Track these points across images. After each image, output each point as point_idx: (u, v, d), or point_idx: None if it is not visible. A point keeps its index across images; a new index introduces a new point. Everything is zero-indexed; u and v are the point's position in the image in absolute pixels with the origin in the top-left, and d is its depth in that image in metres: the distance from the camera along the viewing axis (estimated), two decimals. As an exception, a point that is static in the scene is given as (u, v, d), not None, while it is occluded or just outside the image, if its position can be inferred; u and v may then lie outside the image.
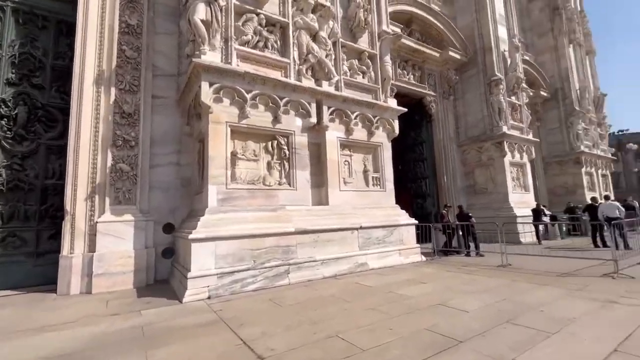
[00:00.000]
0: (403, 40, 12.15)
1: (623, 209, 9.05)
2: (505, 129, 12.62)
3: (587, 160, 17.94)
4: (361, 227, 7.44)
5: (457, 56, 13.55)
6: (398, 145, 14.57)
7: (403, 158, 14.50)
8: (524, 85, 14.34)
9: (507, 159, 12.71)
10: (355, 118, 8.13)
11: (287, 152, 7.09)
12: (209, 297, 5.16)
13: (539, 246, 10.15)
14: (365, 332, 3.42)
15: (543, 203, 16.84)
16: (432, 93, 13.62)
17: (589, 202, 10.94)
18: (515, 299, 4.44)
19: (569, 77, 18.34)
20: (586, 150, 17.89)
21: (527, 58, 17.60)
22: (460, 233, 9.26)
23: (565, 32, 18.76)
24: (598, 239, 9.48)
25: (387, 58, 9.14)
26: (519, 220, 11.81)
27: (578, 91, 18.63)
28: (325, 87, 7.68)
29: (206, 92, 6.04)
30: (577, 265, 6.53)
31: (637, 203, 15.93)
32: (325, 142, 7.68)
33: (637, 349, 2.77)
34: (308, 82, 7.37)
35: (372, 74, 8.85)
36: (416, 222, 8.66)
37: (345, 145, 8.12)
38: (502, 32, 13.99)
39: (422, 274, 6.53)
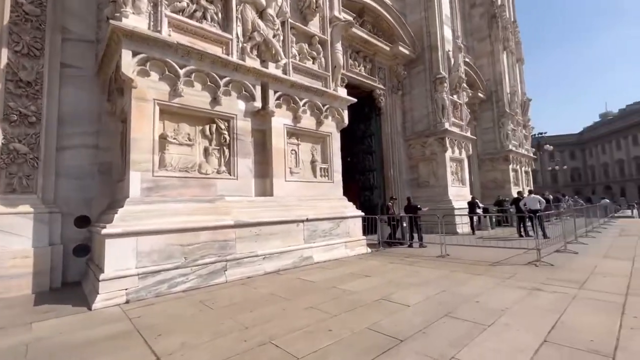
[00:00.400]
0: (355, 30, 11.98)
1: (544, 202, 10.03)
2: (447, 125, 13.25)
3: (514, 158, 19.85)
4: (307, 220, 7.13)
5: (406, 52, 13.83)
6: (348, 137, 14.55)
7: (352, 150, 14.52)
8: (464, 85, 15.20)
9: (448, 154, 13.40)
10: (303, 105, 7.74)
11: (227, 138, 6.45)
12: (127, 302, 4.44)
13: (473, 236, 10.87)
14: (303, 336, 3.10)
15: (477, 196, 18.32)
16: (382, 87, 13.76)
17: (515, 195, 12.00)
18: (453, 291, 4.49)
19: (502, 81, 19.99)
20: (513, 149, 19.76)
21: (467, 60, 18.72)
22: (405, 224, 9.47)
23: (500, 39, 20.34)
24: (522, 229, 10.42)
25: (339, 45, 8.86)
26: (456, 212, 12.54)
27: (509, 95, 20.42)
28: (272, 69, 7.14)
29: (128, 63, 5.14)
30: (505, 254, 6.99)
31: (551, 197, 18.10)
32: (271, 128, 7.18)
33: (563, 338, 2.84)
34: (253, 62, 6.76)
35: (323, 60, 8.50)
36: (363, 214, 8.63)
37: (292, 133, 7.70)
38: (448, 32, 14.60)
39: (367, 267, 6.46)
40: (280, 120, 7.37)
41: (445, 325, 3.25)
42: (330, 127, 8.46)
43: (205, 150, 6.22)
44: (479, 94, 19.48)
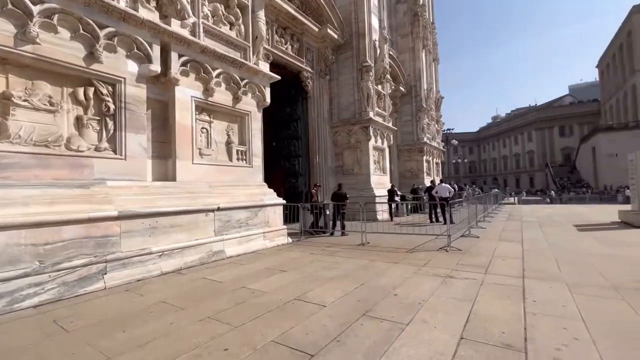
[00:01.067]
0: (282, 4, 11.08)
1: (453, 190, 10.88)
2: (372, 114, 13.44)
3: (428, 150, 21.60)
4: (219, 209, 6.22)
5: (335, 35, 13.47)
6: (273, 120, 13.71)
7: (278, 134, 13.77)
8: (388, 76, 15.65)
9: (372, 143, 13.66)
10: (217, 76, 6.67)
11: (111, 107, 5.09)
12: None
13: (391, 223, 11.29)
14: (187, 362, 2.37)
15: (395, 185, 19.44)
16: (310, 69, 13.20)
17: (428, 184, 12.85)
18: (372, 283, 4.23)
19: (421, 77, 21.37)
20: (428, 141, 21.47)
21: (391, 54, 19.45)
22: (328, 212, 9.22)
23: (421, 38, 21.60)
24: (434, 215, 11.20)
25: (261, 14, 7.90)
26: (377, 200, 12.94)
27: (426, 91, 22.00)
28: (176, 27, 5.89)
29: None
30: (420, 240, 7.22)
31: (456, 186, 20.28)
32: (175, 100, 6.00)
33: (478, 334, 2.70)
34: (148, 14, 5.43)
35: (242, 28, 7.47)
36: (284, 201, 8.03)
37: (203, 108, 6.60)
38: (375, 22, 14.71)
39: (285, 260, 5.91)
40: (187, 91, 6.21)
41: (363, 328, 2.87)
42: (250, 106, 7.56)
43: (78, 120, 4.78)
44: (401, 88, 20.48)
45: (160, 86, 5.94)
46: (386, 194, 13.12)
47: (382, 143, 14.70)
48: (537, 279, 4.23)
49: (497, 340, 2.57)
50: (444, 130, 35.43)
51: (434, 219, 11.04)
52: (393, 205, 12.78)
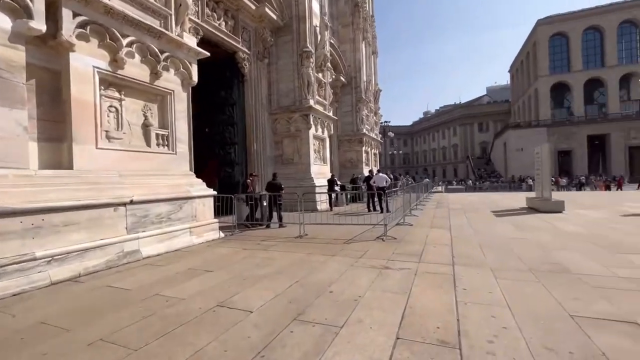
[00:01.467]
0: (214, -27, 9.98)
1: (389, 180, 11.20)
2: (312, 102, 13.12)
3: (367, 141, 22.21)
4: (132, 202, 5.31)
5: (274, 16, 12.72)
6: (207, 104, 12.57)
7: (212, 119, 12.68)
8: (329, 65, 15.45)
9: (312, 132, 13.38)
10: (129, 45, 5.62)
11: (-31, 71, 3.86)
12: None
13: (330, 213, 11.24)
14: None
15: (336, 174, 19.62)
16: (247, 50, 12.29)
17: (367, 174, 13.08)
18: (307, 281, 3.92)
19: (361, 68, 21.69)
20: (367, 132, 22.06)
21: (332, 42, 19.31)
22: (265, 204, 8.71)
23: (361, 29, 21.84)
24: (372, 204, 11.44)
25: (186, -22, 6.89)
26: (317, 190, 12.77)
27: (365, 83, 22.45)
28: (69, -23, 4.73)
29: None
30: (358, 230, 7.18)
31: (392, 176, 21.23)
32: (69, 69, 4.86)
33: (413, 332, 2.56)
34: (25, -46, 4.22)
35: (162, -9, 6.42)
36: (214, 192, 7.31)
37: (111, 82, 5.52)
38: (316, 6, 14.28)
39: (214, 258, 5.32)
40: (88, 60, 5.10)
41: (293, 336, 2.53)
42: (173, 83, 6.60)
43: None
44: (341, 78, 20.54)
45: (49, 51, 4.76)
46: (326, 184, 13.03)
47: (323, 132, 14.54)
48: (465, 265, 4.37)
49: (432, 337, 2.45)
50: (381, 123, 37.09)
51: (371, 208, 11.28)
52: (333, 195, 12.75)
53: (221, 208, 8.14)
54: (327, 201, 12.97)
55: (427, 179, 27.50)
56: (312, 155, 13.42)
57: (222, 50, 11.60)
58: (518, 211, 10.42)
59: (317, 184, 12.79)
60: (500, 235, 6.50)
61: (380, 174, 11.13)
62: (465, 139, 68.34)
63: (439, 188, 28.54)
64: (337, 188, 12.67)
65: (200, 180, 7.05)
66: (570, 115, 47.35)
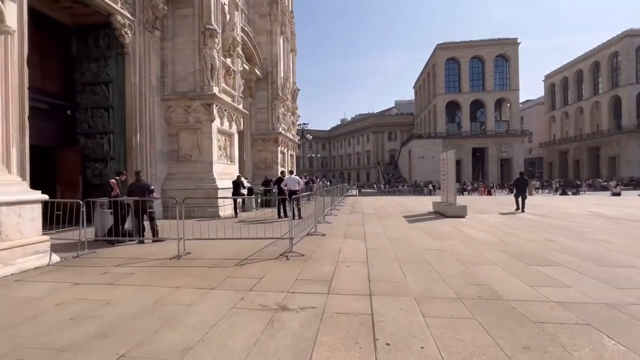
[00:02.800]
0: None
1: (302, 183, 10.08)
2: (216, 90, 11.18)
3: (283, 141, 20.97)
4: None
5: (169, -20, 10.44)
6: (67, 78, 9.55)
7: (75, 99, 9.66)
8: (240, 51, 13.67)
9: (216, 124, 11.44)
10: None
11: None
12: None
13: (234, 220, 9.55)
14: None
15: (248, 176, 17.80)
16: (129, 16, 9.69)
17: (279, 175, 11.75)
18: (145, 351, 2.32)
19: (278, 63, 20.38)
20: (283, 132, 20.81)
21: (247, 31, 17.55)
22: (128, 214, 6.57)
23: (279, 22, 20.57)
24: (283, 210, 10.14)
25: None
26: (220, 192, 10.91)
27: (282, 79, 21.22)
28: None
29: None
30: (257, 246, 5.74)
31: (307, 178, 20.44)
32: None
33: None
34: None
35: None
36: (42, 196, 4.94)
37: None
38: (224, -19, 12.41)
39: (4, 306, 3.21)
40: None
41: None
42: (-40, 22, 4.13)
43: None
44: (257, 71, 18.89)
45: None
46: (231, 186, 11.24)
47: (231, 127, 12.69)
48: (385, 295, 3.37)
49: None
50: (300, 125, 36.48)
51: (282, 214, 9.98)
52: (239, 200, 11.04)
53: (65, 217, 5.75)
54: (232, 206, 11.19)
55: (345, 183, 27.75)
56: (216, 152, 11.47)
57: (92, 10, 8.86)
58: (427, 216, 10.48)
59: (220, 186, 10.91)
60: (416, 245, 5.90)
61: (293, 176, 9.95)
62: (377, 146, 73.43)
63: (354, 191, 29.24)
64: (243, 191, 11.00)
65: (13, 179, 4.64)
66: (459, 130, 54.93)
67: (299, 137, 33.13)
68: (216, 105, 11.26)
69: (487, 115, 54.41)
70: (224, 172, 11.81)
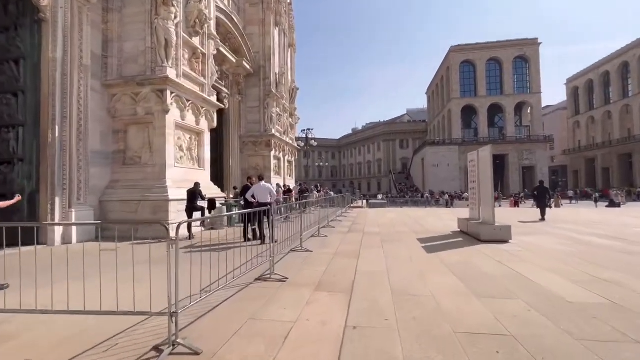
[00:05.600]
0: None
1: (275, 193, 7.34)
2: (172, 72, 8.68)
3: (277, 145, 18.37)
4: None
5: None
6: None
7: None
8: (213, 32, 11.23)
9: (172, 117, 8.90)
10: None
11: None
12: None
13: (186, 243, 6.87)
14: None
15: (237, 184, 15.17)
16: (49, -29, 7.35)
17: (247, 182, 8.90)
18: None
19: (271, 57, 17.95)
20: (277, 134, 18.22)
21: (234, 19, 15.28)
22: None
23: (272, 10, 18.23)
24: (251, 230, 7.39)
25: None
26: (174, 206, 8.30)
27: (277, 75, 18.77)
28: None
29: None
30: (123, 325, 2.97)
31: (292, 185, 17.68)
32: None
33: None
34: None
35: None
36: None
37: None
38: (192, -56, 10.07)
39: None
40: None
41: None
42: None
43: None
44: (246, 64, 16.47)
45: None
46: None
47: (198, 122, 10.14)
48: None
49: None
50: (304, 130, 33.98)
51: (249, 236, 7.23)
52: (197, 214, 8.30)
53: None
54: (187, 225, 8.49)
55: (357, 192, 24.82)
56: (172, 152, 8.89)
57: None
58: (451, 239, 7.52)
59: (172, 197, 8.29)
60: (447, 313, 3.02)
61: (263, 184, 7.18)
62: (388, 154, 70.23)
63: (360, 202, 26.25)
64: (202, 203, 8.29)
65: None
66: (476, 136, 51.35)
67: (303, 144, 30.62)
68: (172, 93, 8.74)
69: (507, 120, 50.75)
70: (186, 179, 9.16)
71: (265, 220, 6.97)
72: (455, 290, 3.62)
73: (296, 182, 17.95)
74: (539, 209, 11.95)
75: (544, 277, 4.09)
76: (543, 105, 53.61)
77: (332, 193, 25.06)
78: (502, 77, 51.08)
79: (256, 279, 4.12)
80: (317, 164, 73.50)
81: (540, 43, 49.80)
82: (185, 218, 7.91)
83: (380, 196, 43.88)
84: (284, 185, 14.66)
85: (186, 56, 9.65)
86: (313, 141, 35.20)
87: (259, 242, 6.82)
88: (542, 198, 12.05)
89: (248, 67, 16.79)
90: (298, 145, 28.31)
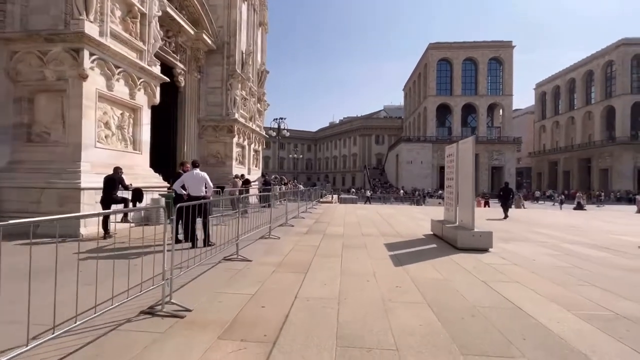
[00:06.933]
0: None
1: (211, 185, 5.88)
2: (92, 28, 6.89)
3: (241, 131, 16.72)
4: None
5: None
6: None
7: None
8: (159, -10, 9.40)
9: (93, 85, 7.13)
10: None
11: None
12: None
13: (100, 241, 5.31)
14: None
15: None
16: None
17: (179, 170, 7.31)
18: None
19: (237, 32, 16.14)
20: (241, 120, 16.56)
21: (194, -16, 13.39)
22: None
23: (241, -19, 16.41)
24: (181, 229, 5.92)
25: None
26: (86, 196, 6.63)
27: (244, 54, 17.02)
28: None
29: None
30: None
31: (265, 179, 16.23)
32: None
33: None
34: None
35: None
36: None
37: None
38: None
39: None
40: None
41: None
42: None
43: None
44: (206, 38, 14.60)
45: None
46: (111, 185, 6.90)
47: (133, 96, 8.39)
48: None
49: None
50: (276, 119, 32.20)
51: (180, 236, 5.77)
52: (117, 206, 6.67)
53: None
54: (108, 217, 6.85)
55: (322, 185, 23.63)
56: (92, 129, 7.16)
57: None
58: (423, 244, 6.47)
59: (87, 185, 6.61)
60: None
61: (196, 172, 5.67)
62: (364, 149, 69.80)
63: (330, 197, 25.12)
64: (121, 194, 6.65)
65: None
66: (450, 134, 51.85)
67: (275, 134, 28.91)
68: (93, 55, 6.97)
69: (479, 121, 51.58)
70: (113, 164, 7.44)
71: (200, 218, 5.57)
72: (430, 340, 2.43)
73: (263, 174, 16.45)
74: (502, 208, 12.85)
75: (547, 311, 3.02)
76: (513, 108, 55.06)
77: (301, 186, 23.72)
78: (477, 78, 51.68)
79: (159, 303, 2.75)
80: (291, 156, 71.81)
81: (515, 46, 50.78)
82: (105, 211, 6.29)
83: (353, 190, 43.13)
84: (242, 176, 13.13)
85: (117, 13, 7.85)
86: (285, 131, 33.52)
87: (190, 245, 5.41)
88: (506, 198, 12.86)
89: (209, 41, 14.93)
90: (269, 134, 26.66)
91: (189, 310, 2.83)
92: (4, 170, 6.85)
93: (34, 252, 1.95)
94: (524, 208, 20.88)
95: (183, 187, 5.66)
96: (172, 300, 2.88)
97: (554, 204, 24.03)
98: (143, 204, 7.00)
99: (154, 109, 10.21)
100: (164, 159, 13.08)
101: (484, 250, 5.67)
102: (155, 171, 9.42)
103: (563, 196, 25.28)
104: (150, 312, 2.77)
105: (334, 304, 3.12)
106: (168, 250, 2.93)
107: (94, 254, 4.74)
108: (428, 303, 3.18)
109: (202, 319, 2.72)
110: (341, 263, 4.76)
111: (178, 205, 3.61)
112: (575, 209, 20.57)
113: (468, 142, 6.14)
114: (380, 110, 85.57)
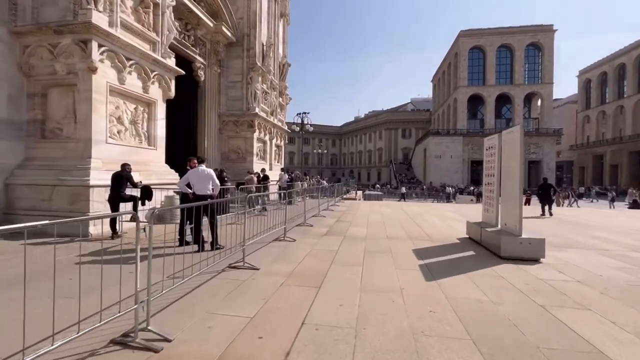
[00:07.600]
0: None
1: (218, 182, 5.37)
2: (101, 18, 6.59)
3: (262, 126, 16.31)
4: None
5: None
6: None
7: None
8: (173, -22, 9.02)
9: (104, 78, 6.85)
10: None
11: None
12: None
13: (107, 242, 5.00)
14: None
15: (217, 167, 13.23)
16: None
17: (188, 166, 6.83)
18: None
19: (257, 24, 15.66)
20: (263, 114, 16.15)
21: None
22: None
23: (260, -30, 15.86)
24: (189, 230, 5.47)
25: None
26: (96, 194, 6.39)
27: (264, 46, 16.53)
28: None
29: None
30: None
31: (293, 175, 15.72)
32: None
33: None
34: None
35: None
36: None
37: None
38: None
39: None
40: None
41: None
42: None
43: None
44: (225, 30, 14.23)
45: None
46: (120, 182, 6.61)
47: (147, 90, 8.09)
48: None
49: None
50: (299, 114, 31.69)
51: (187, 239, 5.34)
52: (126, 205, 6.37)
53: None
54: (120, 216, 6.59)
55: (346, 180, 22.90)
56: (103, 124, 6.90)
57: None
58: (458, 251, 5.62)
59: (96, 182, 6.36)
60: None
61: (202, 169, 5.15)
62: (390, 143, 67.88)
63: (355, 193, 24.24)
64: (131, 192, 6.33)
65: None
66: (482, 127, 48.98)
67: (298, 129, 28.42)
68: (102, 47, 6.68)
69: (515, 112, 48.22)
70: (127, 160, 7.17)
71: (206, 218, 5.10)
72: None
73: (282, 169, 15.98)
74: (541, 205, 12.20)
75: (645, 360, 2.19)
76: (553, 97, 50.99)
77: (324, 182, 23.09)
78: (512, 66, 48.26)
79: (112, 341, 2.24)
80: (315, 151, 71.30)
81: (556, 30, 46.80)
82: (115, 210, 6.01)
83: (374, 187, 41.81)
84: (262, 171, 12.66)
85: (129, 3, 7.54)
86: (309, 126, 32.97)
87: (197, 248, 4.96)
88: (546, 195, 12.11)
89: (229, 34, 14.56)
90: (292, 129, 26.24)
91: (169, 341, 2.29)
92: (19, 167, 6.76)
93: (34, 253, 1.46)
94: (578, 207, 18.85)
95: (189, 185, 5.20)
96: (149, 327, 2.34)
97: (609, 202, 21.48)
98: (153, 202, 6.66)
99: (173, 104, 9.95)
100: (184, 155, 12.90)
101: (535, 260, 4.75)
102: (175, 168, 9.15)
103: (614, 193, 22.68)
104: (122, 341, 2.26)
105: (350, 337, 2.45)
106: (144, 262, 2.41)
107: (94, 257, 4.40)
108: (473, 339, 2.43)
109: (182, 353, 2.17)
110: (362, 274, 4.08)
111: (179, 206, 3.10)
112: (630, 207, 18.33)
113: (514, 131, 5.20)
114: (408, 103, 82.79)
